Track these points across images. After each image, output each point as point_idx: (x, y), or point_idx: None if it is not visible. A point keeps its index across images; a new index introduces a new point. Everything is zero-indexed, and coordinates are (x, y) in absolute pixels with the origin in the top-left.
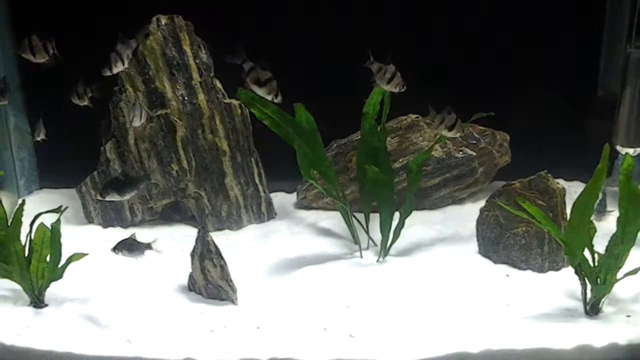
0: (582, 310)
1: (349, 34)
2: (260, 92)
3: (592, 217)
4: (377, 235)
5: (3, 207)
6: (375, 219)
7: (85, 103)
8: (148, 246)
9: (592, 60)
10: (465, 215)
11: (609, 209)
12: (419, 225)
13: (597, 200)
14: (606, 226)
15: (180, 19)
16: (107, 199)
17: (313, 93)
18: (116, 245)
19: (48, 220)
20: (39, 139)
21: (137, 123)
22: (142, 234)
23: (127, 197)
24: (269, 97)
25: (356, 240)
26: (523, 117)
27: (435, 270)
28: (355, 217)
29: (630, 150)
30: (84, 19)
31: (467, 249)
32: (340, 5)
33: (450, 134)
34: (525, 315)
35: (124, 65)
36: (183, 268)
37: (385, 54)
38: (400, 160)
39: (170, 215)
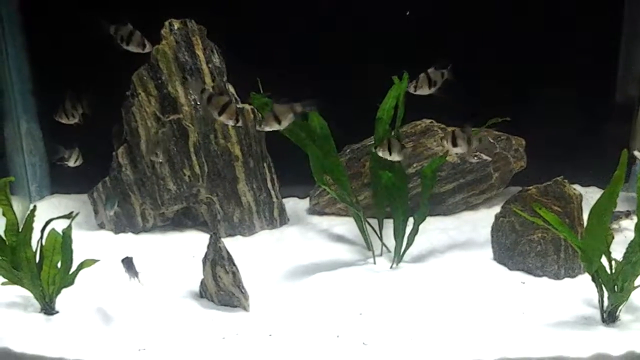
0: (599, 318)
1: (359, 36)
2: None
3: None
4: (390, 242)
5: (14, 213)
6: (389, 225)
7: (76, 121)
8: (136, 274)
9: (610, 65)
10: (480, 221)
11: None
12: (433, 231)
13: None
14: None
15: (193, 23)
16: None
17: (327, 97)
18: (124, 258)
19: (59, 226)
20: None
21: (71, 163)
22: (154, 240)
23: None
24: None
25: (369, 247)
26: (539, 122)
27: (450, 277)
28: (368, 223)
29: None
30: (95, 21)
31: (481, 255)
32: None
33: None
34: (541, 323)
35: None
36: (195, 274)
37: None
38: (415, 165)
39: (182, 220)
